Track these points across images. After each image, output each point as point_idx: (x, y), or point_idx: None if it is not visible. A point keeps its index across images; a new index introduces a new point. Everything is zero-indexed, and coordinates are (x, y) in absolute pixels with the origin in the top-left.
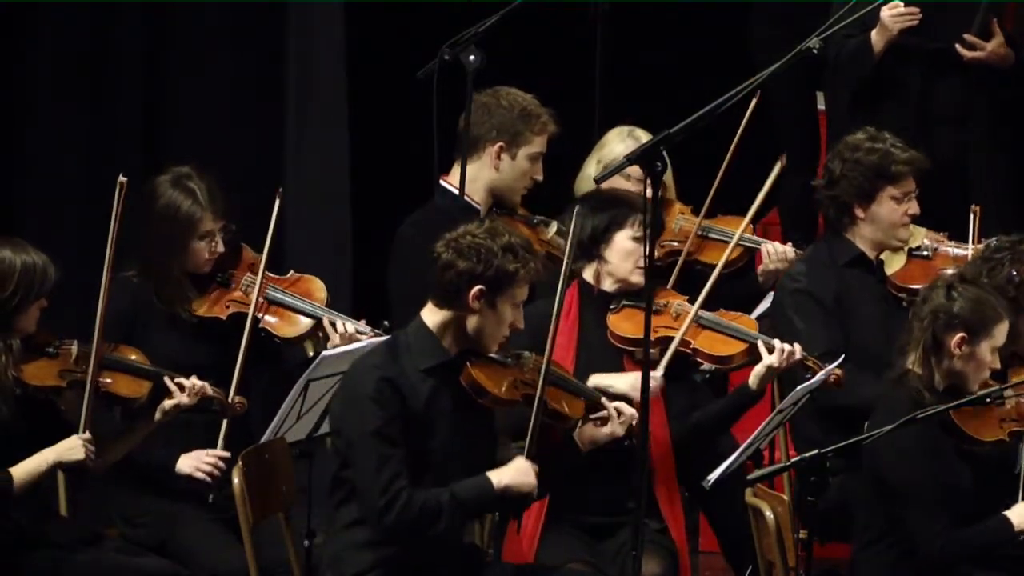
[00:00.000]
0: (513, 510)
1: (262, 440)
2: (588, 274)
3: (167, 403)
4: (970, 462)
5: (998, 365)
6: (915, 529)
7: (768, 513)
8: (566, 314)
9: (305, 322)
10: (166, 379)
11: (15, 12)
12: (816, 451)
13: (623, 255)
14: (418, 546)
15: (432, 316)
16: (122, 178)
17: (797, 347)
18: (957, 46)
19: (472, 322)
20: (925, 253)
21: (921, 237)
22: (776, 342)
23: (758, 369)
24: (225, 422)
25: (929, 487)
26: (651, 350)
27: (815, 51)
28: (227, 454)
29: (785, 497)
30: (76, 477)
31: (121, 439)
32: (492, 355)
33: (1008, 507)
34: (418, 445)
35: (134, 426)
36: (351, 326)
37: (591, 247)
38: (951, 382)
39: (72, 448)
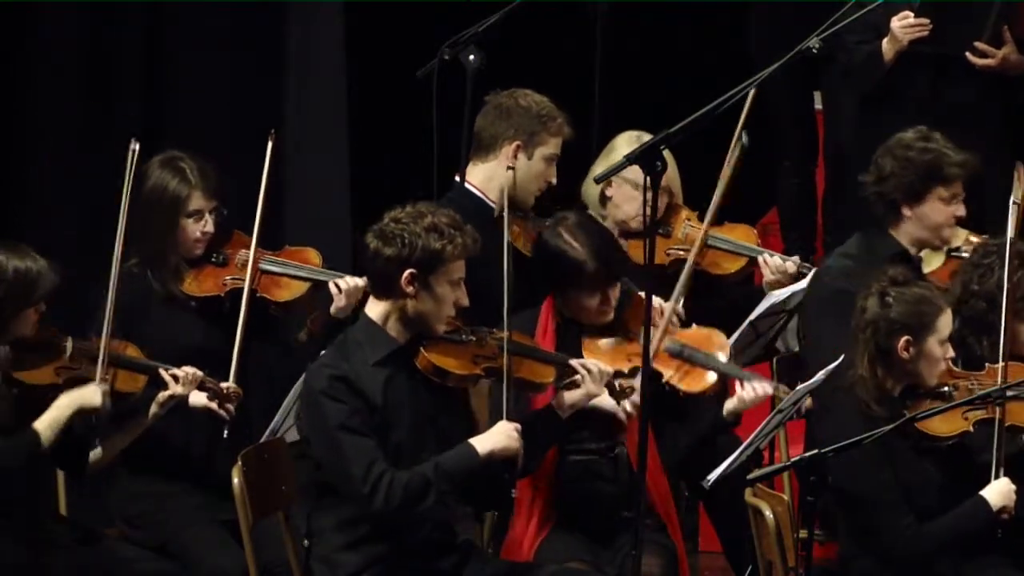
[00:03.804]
0: (504, 474)
1: (262, 440)
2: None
3: (162, 395)
4: (934, 458)
5: (951, 353)
6: (884, 532)
7: (768, 513)
8: (543, 332)
9: (301, 285)
10: (161, 371)
11: (15, 11)
12: (816, 451)
13: (584, 310)
14: (410, 542)
15: (374, 308)
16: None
17: (767, 384)
18: (968, 54)
19: (412, 307)
20: (965, 254)
21: (963, 238)
22: (748, 383)
23: (731, 405)
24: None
25: (886, 489)
26: (628, 382)
27: (815, 51)
28: (239, 390)
29: (785, 497)
30: (76, 477)
31: (118, 435)
32: (447, 335)
33: None
34: (383, 440)
35: (131, 421)
36: (354, 280)
37: (555, 289)
38: (908, 382)
39: (92, 392)
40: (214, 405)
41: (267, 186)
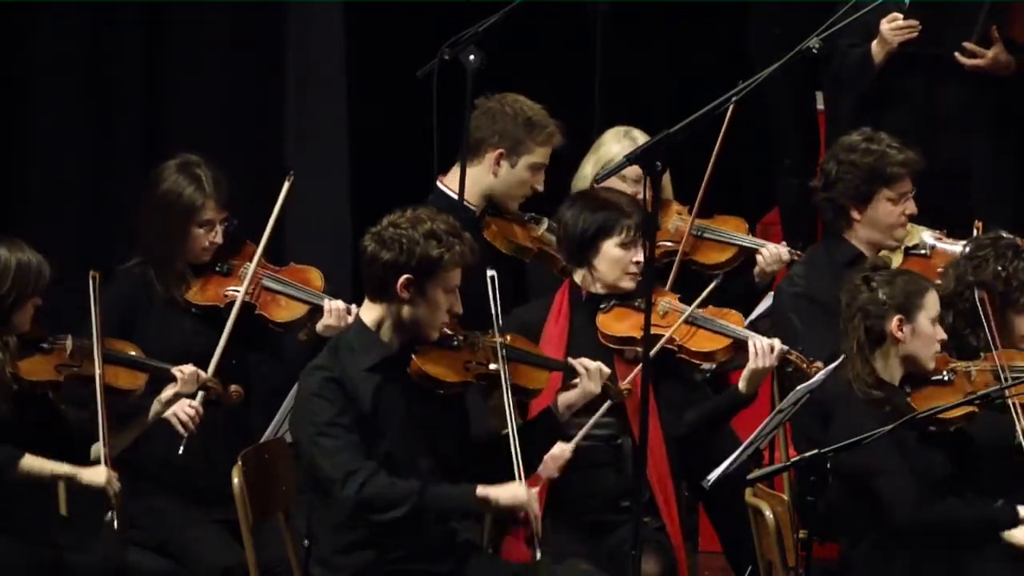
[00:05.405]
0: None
1: (262, 440)
2: (578, 277)
3: (165, 394)
4: (943, 446)
5: (943, 335)
6: (887, 495)
7: (768, 513)
8: (556, 317)
9: (301, 307)
10: (173, 371)
11: (15, 11)
12: (816, 451)
13: (611, 263)
14: (410, 543)
15: (368, 312)
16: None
17: (776, 342)
18: (957, 54)
19: (406, 312)
20: (923, 252)
21: (919, 235)
22: (757, 339)
23: (746, 372)
24: (201, 392)
25: (890, 458)
26: (636, 348)
27: (815, 51)
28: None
29: (785, 497)
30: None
31: (121, 433)
32: (440, 341)
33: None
34: (372, 447)
35: (132, 420)
36: (342, 303)
37: (579, 254)
38: (907, 370)
39: (98, 472)
40: (175, 420)
41: (278, 215)
